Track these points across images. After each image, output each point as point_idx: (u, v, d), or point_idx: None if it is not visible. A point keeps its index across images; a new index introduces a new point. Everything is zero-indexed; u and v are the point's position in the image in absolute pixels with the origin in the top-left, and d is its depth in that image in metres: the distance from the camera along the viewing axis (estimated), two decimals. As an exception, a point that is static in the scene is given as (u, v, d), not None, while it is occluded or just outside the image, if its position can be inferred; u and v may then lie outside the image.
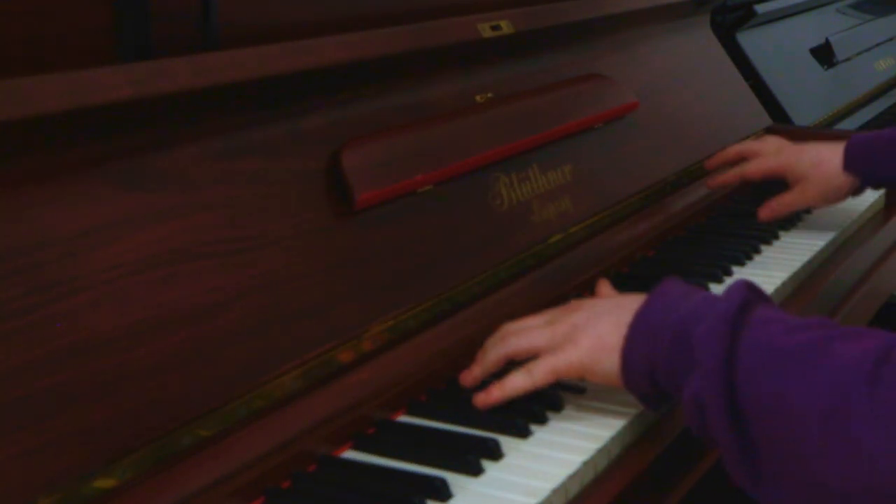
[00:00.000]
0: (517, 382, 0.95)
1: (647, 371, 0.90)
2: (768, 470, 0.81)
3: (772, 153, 1.48)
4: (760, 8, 2.00)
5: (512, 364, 0.99)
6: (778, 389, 0.79)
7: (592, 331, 0.95)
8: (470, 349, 1.08)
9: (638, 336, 0.91)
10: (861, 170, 1.43)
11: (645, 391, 0.92)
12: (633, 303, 0.94)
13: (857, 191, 1.47)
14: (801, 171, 1.45)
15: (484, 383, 0.99)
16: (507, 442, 0.92)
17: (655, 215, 1.45)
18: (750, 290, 0.89)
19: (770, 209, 1.48)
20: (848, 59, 2.28)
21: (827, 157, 1.43)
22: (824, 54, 2.21)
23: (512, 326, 1.02)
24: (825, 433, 0.76)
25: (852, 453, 0.75)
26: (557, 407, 0.98)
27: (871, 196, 1.65)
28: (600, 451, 0.91)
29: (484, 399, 0.95)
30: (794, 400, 0.78)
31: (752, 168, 1.48)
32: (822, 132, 1.89)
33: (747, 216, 1.54)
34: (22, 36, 0.87)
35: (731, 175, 1.51)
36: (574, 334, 0.95)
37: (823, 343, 0.80)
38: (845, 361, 0.77)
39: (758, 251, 1.40)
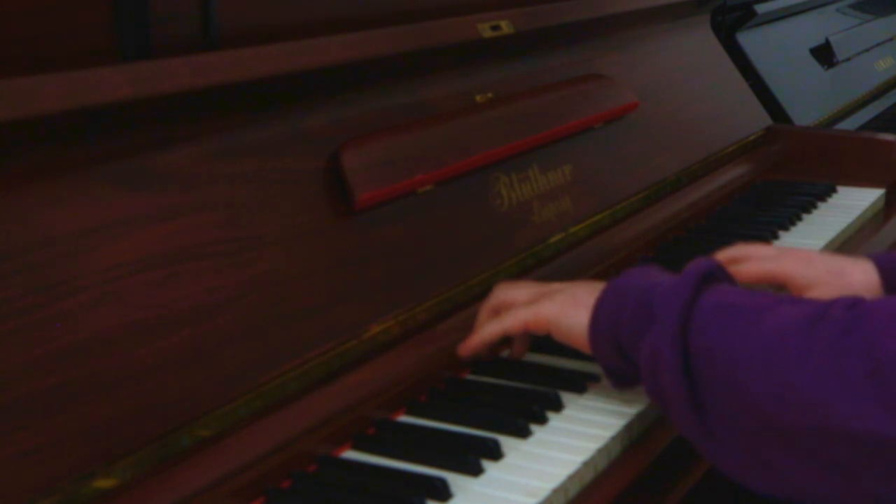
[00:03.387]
0: (491, 328, 1.03)
1: (611, 329, 0.94)
2: (715, 418, 0.84)
3: (770, 257, 1.22)
4: (760, 8, 2.01)
5: None
6: (724, 340, 0.84)
7: (572, 290, 1.01)
8: (470, 349, 1.08)
9: (607, 298, 0.96)
10: None
11: (608, 352, 0.95)
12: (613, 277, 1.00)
13: None
14: (814, 278, 1.19)
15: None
16: (507, 442, 0.92)
17: (655, 215, 1.45)
18: (718, 268, 0.93)
19: None
20: (848, 59, 2.28)
21: (850, 270, 1.19)
22: (824, 54, 2.21)
23: (501, 292, 1.06)
24: (764, 377, 0.81)
25: (790, 395, 0.79)
26: (557, 407, 0.98)
27: (871, 195, 1.66)
28: (600, 452, 0.91)
29: (463, 347, 1.04)
30: (738, 348, 0.83)
31: (745, 270, 1.21)
32: (824, 130, 1.89)
33: (747, 217, 1.54)
34: (22, 35, 0.87)
35: None
36: (554, 293, 1.02)
37: (772, 304, 0.86)
38: (787, 317, 0.83)
39: (758, 251, 1.40)
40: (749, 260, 1.21)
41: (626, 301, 0.93)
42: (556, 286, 1.04)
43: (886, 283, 1.18)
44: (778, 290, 1.19)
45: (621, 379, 0.97)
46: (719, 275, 0.93)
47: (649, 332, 0.89)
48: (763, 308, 0.85)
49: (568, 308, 0.99)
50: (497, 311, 1.05)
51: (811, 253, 1.24)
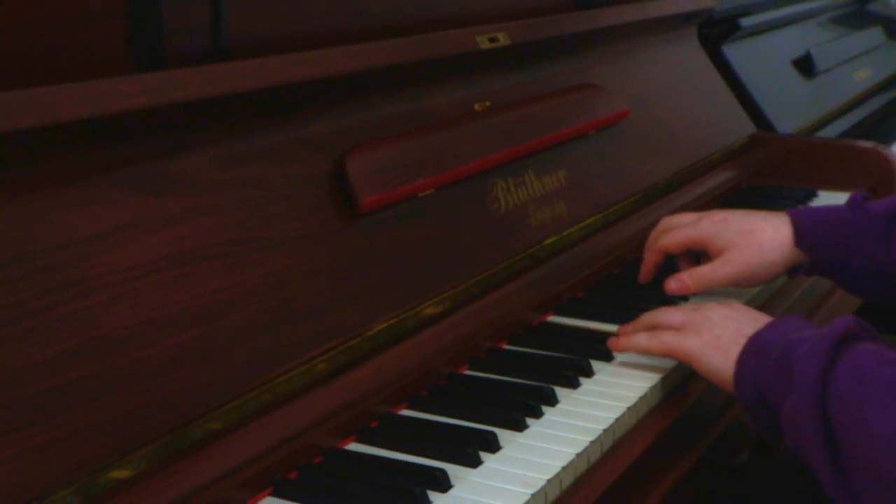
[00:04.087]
0: (640, 341, 1.05)
1: (753, 383, 0.93)
2: (858, 487, 0.82)
3: (689, 223, 1.22)
4: (745, 21, 2.00)
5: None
6: (861, 415, 0.81)
7: (717, 329, 1.00)
8: (468, 346, 1.08)
9: (751, 351, 0.94)
10: (815, 248, 1.17)
11: (751, 401, 0.94)
12: (761, 320, 0.99)
13: (793, 271, 1.23)
14: (727, 239, 1.18)
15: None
16: (504, 435, 0.91)
17: (646, 218, 1.44)
18: (856, 325, 0.90)
19: (679, 282, 1.19)
20: (828, 70, 2.28)
21: (760, 227, 1.18)
22: (806, 65, 2.21)
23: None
24: None
25: None
26: (552, 402, 0.98)
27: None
28: (593, 444, 0.91)
29: (614, 343, 1.07)
30: (874, 425, 0.80)
31: (669, 240, 1.22)
32: (805, 137, 1.89)
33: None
34: (42, 48, 0.87)
35: (653, 255, 1.25)
36: (701, 326, 1.01)
37: None
38: None
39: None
40: (673, 230, 1.22)
41: (766, 360, 0.92)
42: (712, 306, 1.04)
43: (799, 237, 1.18)
44: (701, 254, 1.22)
45: (771, 430, 0.93)
46: (859, 332, 0.90)
47: (790, 397, 0.87)
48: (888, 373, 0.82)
49: (710, 350, 0.99)
50: (655, 321, 1.07)
51: (727, 213, 1.21)
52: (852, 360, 0.86)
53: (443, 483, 0.84)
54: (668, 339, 1.02)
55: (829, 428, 0.83)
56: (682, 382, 1.07)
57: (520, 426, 0.93)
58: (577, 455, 0.89)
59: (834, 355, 0.86)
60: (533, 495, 0.83)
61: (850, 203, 1.18)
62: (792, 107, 2.07)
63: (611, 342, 1.07)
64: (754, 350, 0.94)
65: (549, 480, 0.85)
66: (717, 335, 0.99)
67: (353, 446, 0.91)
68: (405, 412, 0.97)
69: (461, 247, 1.14)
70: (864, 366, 0.84)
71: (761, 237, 1.17)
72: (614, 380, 1.03)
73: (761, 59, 2.07)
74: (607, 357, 1.08)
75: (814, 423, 0.83)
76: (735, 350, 0.96)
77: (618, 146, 1.46)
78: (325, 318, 0.95)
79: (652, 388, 1.01)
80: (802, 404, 0.85)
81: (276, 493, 0.84)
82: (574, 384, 1.01)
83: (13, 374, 0.73)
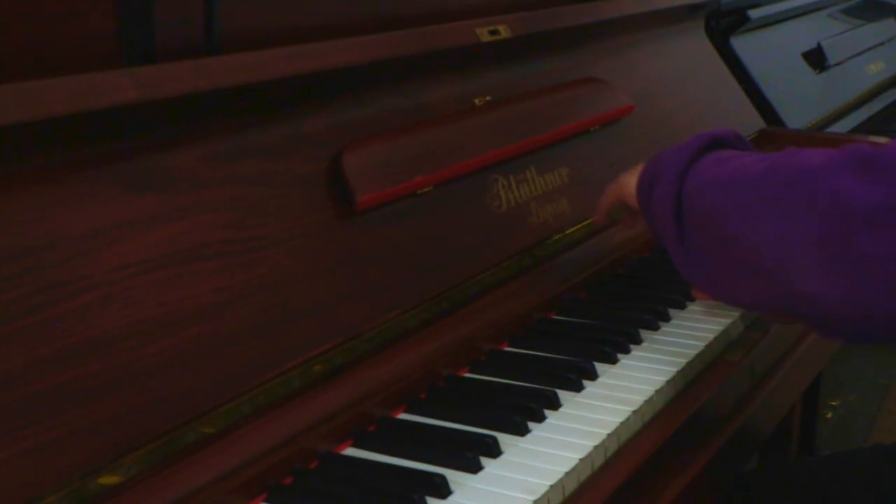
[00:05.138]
0: (599, 203, 1.19)
1: (647, 186, 1.03)
2: (691, 243, 0.95)
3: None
4: (754, 13, 2.00)
5: None
6: (711, 189, 0.93)
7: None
8: (468, 348, 1.08)
9: (650, 161, 1.05)
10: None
11: (644, 201, 1.04)
12: None
13: None
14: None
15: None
16: (505, 439, 0.91)
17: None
18: (734, 136, 1.03)
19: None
20: (840, 63, 2.28)
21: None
22: (817, 58, 2.21)
23: None
24: (735, 217, 0.89)
25: (751, 234, 0.87)
26: (555, 405, 0.98)
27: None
28: (597, 448, 0.91)
29: (595, 219, 1.23)
30: (714, 176, 0.93)
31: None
32: (816, 133, 1.89)
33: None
34: (30, 43, 0.87)
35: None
36: None
37: (753, 162, 0.92)
38: (754, 172, 0.90)
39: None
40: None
41: (661, 158, 1.01)
42: None
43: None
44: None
45: (654, 227, 1.03)
46: (735, 143, 1.02)
47: (659, 184, 0.98)
48: (745, 165, 0.92)
49: (625, 177, 1.12)
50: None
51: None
52: (719, 153, 0.97)
53: (442, 489, 0.84)
54: (608, 187, 1.17)
55: (679, 201, 0.95)
56: (688, 385, 1.07)
57: (521, 430, 0.93)
58: (581, 460, 0.89)
59: (705, 149, 0.98)
60: (535, 502, 0.83)
61: None
62: (802, 101, 2.07)
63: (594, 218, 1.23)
64: (652, 158, 1.04)
65: (551, 486, 0.85)
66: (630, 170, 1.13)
67: (350, 451, 0.92)
68: (403, 415, 0.97)
69: (461, 245, 1.14)
70: (729, 154, 0.96)
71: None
72: (619, 383, 1.03)
73: (771, 51, 2.07)
74: (611, 359, 1.08)
75: (672, 190, 0.95)
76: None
77: (622, 142, 1.46)
78: (321, 319, 0.95)
79: (658, 392, 1.01)
80: (666, 184, 0.96)
81: (271, 500, 0.84)
82: (577, 387, 1.01)
83: (1, 376, 0.73)
